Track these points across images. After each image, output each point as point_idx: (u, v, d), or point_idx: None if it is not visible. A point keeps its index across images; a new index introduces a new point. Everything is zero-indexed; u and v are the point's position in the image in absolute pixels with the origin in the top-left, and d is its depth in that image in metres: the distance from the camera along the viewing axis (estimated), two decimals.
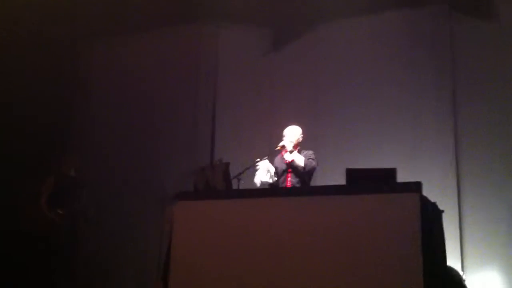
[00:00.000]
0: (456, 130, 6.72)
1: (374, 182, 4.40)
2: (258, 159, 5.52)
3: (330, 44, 7.53)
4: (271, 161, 5.68)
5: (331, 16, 7.50)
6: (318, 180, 6.00)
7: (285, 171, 5.64)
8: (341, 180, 4.52)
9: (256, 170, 5.54)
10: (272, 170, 5.59)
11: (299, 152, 5.67)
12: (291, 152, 5.60)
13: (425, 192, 4.30)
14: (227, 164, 5.15)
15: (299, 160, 5.55)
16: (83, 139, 8.24)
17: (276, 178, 5.59)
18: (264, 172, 5.55)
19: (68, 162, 6.62)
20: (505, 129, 6.53)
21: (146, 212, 7.41)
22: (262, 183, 5.56)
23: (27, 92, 7.51)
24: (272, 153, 5.70)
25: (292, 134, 5.69)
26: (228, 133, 7.69)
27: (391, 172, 4.39)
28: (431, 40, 7.04)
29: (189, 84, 8.01)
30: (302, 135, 5.74)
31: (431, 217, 4.33)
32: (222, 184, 5.04)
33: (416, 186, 4.25)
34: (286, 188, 5.50)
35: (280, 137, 5.76)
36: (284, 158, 5.68)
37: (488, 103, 6.69)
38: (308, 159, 5.58)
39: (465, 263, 6.31)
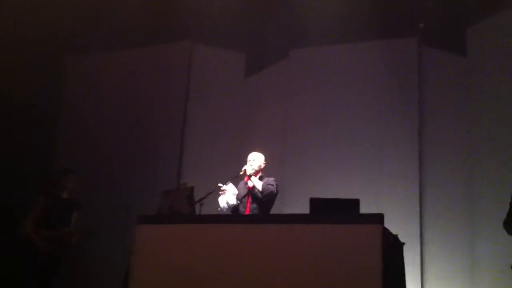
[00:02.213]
0: (421, 163, 6.80)
1: (337, 212, 4.41)
2: (221, 184, 5.51)
3: (301, 72, 7.63)
4: (235, 186, 5.69)
5: (304, 44, 7.60)
6: (284, 208, 6.01)
7: (244, 196, 5.64)
8: (305, 209, 4.51)
9: (220, 194, 5.52)
10: (236, 192, 5.62)
11: (260, 178, 5.71)
12: (250, 176, 5.62)
13: (387, 225, 4.33)
14: (192, 189, 5.13)
15: (257, 184, 5.59)
16: (56, 148, 8.18)
17: (239, 202, 5.59)
18: (231, 195, 5.56)
19: (63, 183, 6.42)
20: (470, 163, 6.63)
21: (112, 228, 7.29)
22: (229, 206, 5.55)
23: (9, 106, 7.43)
24: (236, 177, 5.70)
25: (254, 159, 5.71)
26: (196, 156, 7.66)
27: (355, 203, 4.42)
28: (400, 71, 7.17)
29: (161, 103, 7.98)
30: (264, 162, 5.78)
31: (392, 249, 4.35)
32: (186, 208, 5.01)
33: (378, 218, 4.27)
34: (250, 215, 5.48)
35: (245, 163, 5.76)
36: (247, 184, 5.69)
37: (455, 135, 6.82)
38: (267, 184, 5.60)
39: None
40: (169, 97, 7.98)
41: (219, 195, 5.53)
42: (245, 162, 5.71)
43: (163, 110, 7.94)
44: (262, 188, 5.56)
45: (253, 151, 5.85)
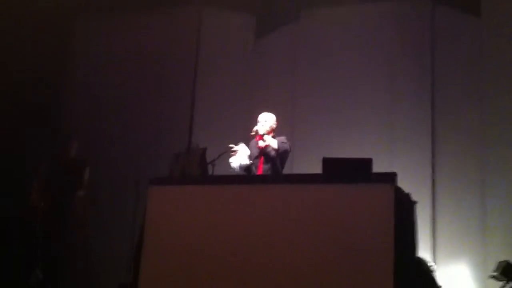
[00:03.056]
0: (433, 123, 6.78)
1: (350, 172, 4.41)
2: (232, 145, 5.50)
3: (311, 34, 7.55)
4: (247, 146, 5.68)
5: (313, 5, 7.48)
6: (295, 169, 6.00)
7: (257, 157, 5.63)
8: (318, 169, 4.51)
9: (231, 155, 5.50)
10: (248, 153, 5.61)
11: (273, 137, 5.68)
12: (262, 136, 5.59)
13: (399, 183, 4.33)
14: (204, 150, 5.12)
15: (273, 143, 5.56)
16: (63, 115, 8.17)
17: (252, 161, 5.59)
18: (243, 156, 5.55)
19: (65, 151, 6.48)
20: (481, 123, 6.59)
21: (121, 192, 7.36)
22: (241, 166, 5.55)
23: (15, 74, 7.42)
24: (247, 138, 5.69)
25: (266, 120, 5.68)
26: (207, 118, 7.65)
27: (367, 163, 4.41)
28: (412, 32, 7.08)
29: (170, 68, 7.95)
30: (275, 122, 5.75)
31: (404, 208, 4.36)
32: (197, 170, 5.01)
33: (390, 177, 4.28)
34: (262, 175, 5.49)
35: (256, 124, 5.75)
36: (258, 143, 5.68)
37: (467, 96, 6.76)
38: (281, 143, 5.59)
39: (437, 255, 6.40)
40: (179, 60, 7.93)
41: (231, 155, 5.52)
42: (255, 123, 5.70)
43: (173, 73, 7.91)
44: (278, 146, 5.54)
45: (263, 112, 5.83)
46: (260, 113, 5.78)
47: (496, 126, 6.43)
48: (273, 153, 5.57)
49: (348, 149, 6.55)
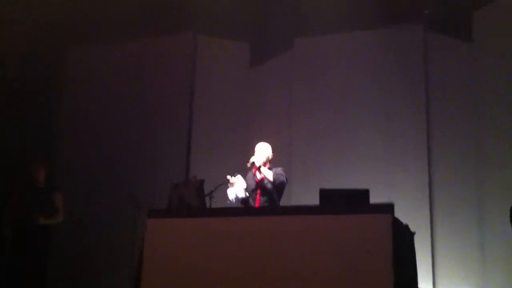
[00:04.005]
0: (430, 151, 6.80)
1: (347, 203, 4.41)
2: (229, 176, 5.50)
3: (307, 60, 7.60)
4: (244, 178, 5.67)
5: (308, 33, 7.57)
6: (293, 200, 6.00)
7: (254, 190, 5.63)
8: (315, 200, 4.52)
9: (228, 186, 5.51)
10: (245, 185, 5.60)
11: (270, 168, 5.68)
12: (259, 167, 5.60)
13: (397, 214, 4.33)
14: (202, 181, 5.12)
15: (268, 174, 5.56)
16: (59, 143, 8.19)
17: (248, 194, 5.58)
18: (239, 188, 5.54)
19: (35, 169, 6.47)
20: (478, 148, 6.62)
21: (120, 220, 7.33)
22: (238, 198, 5.55)
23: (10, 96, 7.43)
24: (244, 169, 5.69)
25: (262, 151, 5.69)
26: (204, 147, 7.67)
27: (364, 193, 4.41)
28: (406, 58, 7.14)
29: (167, 95, 7.97)
30: (272, 153, 5.74)
31: (402, 239, 4.35)
32: (196, 201, 5.01)
33: (388, 208, 4.27)
34: (260, 207, 5.48)
35: (253, 154, 5.75)
36: (255, 176, 5.68)
37: (462, 121, 6.82)
38: (276, 174, 5.58)
39: (437, 285, 6.37)
40: (174, 89, 7.96)
41: (228, 187, 5.52)
42: (252, 153, 5.70)
43: (168, 101, 7.93)
44: (273, 178, 5.54)
45: (260, 141, 5.83)
46: (257, 142, 5.79)
47: (492, 150, 6.46)
48: (269, 185, 5.56)
49: (344, 176, 6.57)
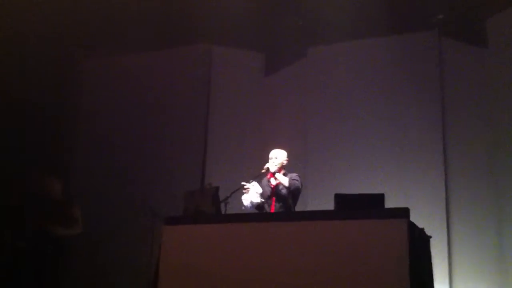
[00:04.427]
0: (445, 156, 6.76)
1: (362, 207, 4.40)
2: (244, 182, 5.52)
3: (320, 69, 7.64)
4: (259, 184, 5.70)
5: (322, 41, 7.59)
6: (308, 205, 6.00)
7: (269, 196, 5.65)
8: (330, 206, 4.52)
9: (243, 193, 5.53)
10: (260, 191, 5.62)
11: (285, 174, 5.69)
12: (274, 173, 5.62)
13: (413, 218, 4.31)
14: (217, 189, 5.15)
15: (283, 180, 5.58)
16: (75, 153, 8.27)
17: (263, 200, 5.60)
18: (254, 194, 5.56)
19: (51, 181, 6.51)
20: (494, 154, 6.58)
21: (137, 229, 7.38)
22: (253, 204, 5.56)
23: (28, 108, 7.54)
24: (259, 175, 5.71)
25: (277, 157, 5.71)
26: (219, 155, 7.70)
27: (380, 198, 4.40)
28: (421, 65, 7.13)
29: (183, 105, 8.04)
30: (286, 159, 5.76)
31: (418, 243, 4.33)
32: (211, 208, 5.04)
33: (404, 212, 4.25)
34: (275, 212, 5.49)
35: (268, 160, 5.78)
36: (270, 182, 5.70)
37: (478, 127, 6.79)
38: (292, 180, 5.59)
39: None
40: (190, 98, 8.04)
41: (243, 193, 5.54)
42: (267, 160, 5.72)
43: (185, 111, 8.00)
44: (289, 184, 5.54)
45: (274, 148, 5.85)
46: (271, 149, 5.81)
47: (509, 152, 6.42)
48: (284, 191, 5.57)
49: (360, 182, 6.56)
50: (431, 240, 4.64)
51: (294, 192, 5.57)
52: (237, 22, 7.41)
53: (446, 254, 6.38)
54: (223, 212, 5.14)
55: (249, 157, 7.43)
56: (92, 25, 7.58)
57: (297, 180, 5.61)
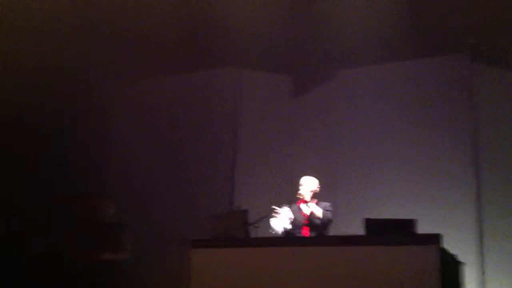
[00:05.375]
0: (478, 181, 6.65)
1: (393, 233, 4.36)
2: (276, 207, 5.50)
3: (349, 92, 7.60)
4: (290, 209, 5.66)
5: (351, 64, 7.57)
6: (337, 230, 5.92)
7: (302, 224, 5.61)
8: (360, 230, 4.48)
9: (273, 216, 5.50)
10: (291, 217, 5.58)
11: (317, 203, 5.66)
12: (307, 202, 5.60)
13: (446, 244, 4.25)
14: (246, 212, 5.15)
15: (317, 211, 5.56)
16: (106, 178, 8.32)
17: (291, 226, 5.55)
18: (285, 219, 5.52)
19: (103, 205, 6.58)
20: None
21: (165, 253, 7.37)
22: (283, 229, 5.53)
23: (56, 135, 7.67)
24: (292, 201, 5.69)
25: (309, 184, 5.70)
26: (247, 179, 7.70)
27: (411, 223, 4.37)
28: (452, 89, 7.06)
29: (211, 128, 8.07)
30: (318, 186, 5.74)
31: (450, 270, 4.27)
32: (240, 232, 5.04)
33: (435, 238, 4.21)
34: (304, 237, 5.46)
35: (299, 184, 5.75)
36: (301, 209, 5.66)
37: (511, 151, 6.64)
38: (325, 210, 5.57)
39: None
40: (218, 122, 8.06)
41: (273, 217, 5.51)
42: (296, 184, 5.70)
43: (213, 135, 8.02)
44: (322, 215, 5.53)
45: (303, 173, 5.84)
46: (301, 175, 5.80)
47: None
48: (318, 221, 5.54)
49: (390, 207, 6.48)
50: (464, 266, 4.55)
51: (326, 223, 5.55)
52: (264, 45, 7.44)
53: (480, 281, 6.25)
54: (252, 235, 5.12)
55: (277, 181, 7.42)
56: (120, 49, 7.68)
57: (329, 210, 5.59)
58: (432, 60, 7.19)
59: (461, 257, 4.52)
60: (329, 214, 5.56)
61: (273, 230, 5.49)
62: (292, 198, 5.70)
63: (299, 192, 5.64)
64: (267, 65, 7.94)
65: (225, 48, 7.60)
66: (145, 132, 8.34)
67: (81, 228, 6.35)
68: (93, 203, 6.59)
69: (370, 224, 4.44)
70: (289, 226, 5.50)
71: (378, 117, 7.34)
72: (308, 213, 5.59)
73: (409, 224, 4.35)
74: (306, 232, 5.53)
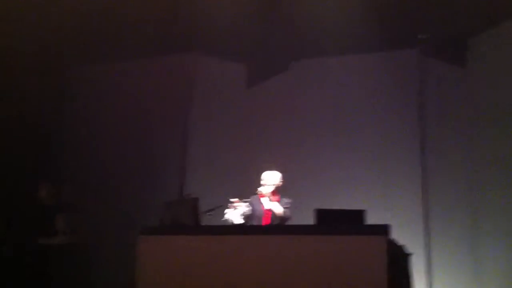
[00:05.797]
0: (425, 172, 6.81)
1: (343, 223, 4.40)
2: (235, 199, 5.45)
3: (302, 83, 7.66)
4: (250, 202, 5.64)
5: (306, 55, 7.62)
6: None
7: (261, 218, 5.61)
8: (310, 220, 4.50)
9: (228, 207, 5.46)
10: (246, 213, 5.54)
11: (279, 197, 5.67)
12: (269, 198, 5.60)
13: (394, 235, 4.32)
14: (196, 200, 5.11)
15: (277, 209, 5.58)
16: (61, 163, 8.13)
17: (243, 221, 5.51)
18: (238, 214, 5.48)
19: (38, 194, 6.38)
20: (472, 171, 6.66)
21: (113, 240, 7.27)
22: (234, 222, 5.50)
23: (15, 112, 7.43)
24: (239, 189, 5.68)
25: (271, 179, 5.68)
26: (199, 167, 7.64)
27: (360, 214, 4.41)
28: (401, 83, 7.20)
29: (163, 115, 7.97)
30: (282, 180, 5.72)
31: (398, 260, 4.34)
32: (190, 220, 4.98)
33: (384, 229, 4.27)
34: (254, 226, 5.46)
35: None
36: (261, 203, 5.65)
37: (457, 144, 6.85)
38: (285, 207, 5.59)
39: None
40: (171, 108, 7.97)
41: (229, 207, 5.46)
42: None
43: (165, 121, 7.93)
44: (282, 213, 5.55)
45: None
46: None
47: (486, 171, 6.51)
48: (277, 221, 5.55)
49: (341, 197, 6.56)
50: (412, 257, 4.64)
51: (285, 220, 5.58)
52: (221, 32, 7.36)
53: (426, 271, 6.40)
54: (203, 223, 5.08)
55: (230, 170, 7.40)
56: (81, 33, 7.49)
57: (288, 208, 5.62)
58: (384, 53, 7.31)
59: (408, 248, 4.60)
60: (288, 213, 5.58)
61: (227, 221, 5.45)
62: (245, 188, 5.67)
63: (259, 189, 5.62)
64: (224, 53, 7.89)
65: (181, 35, 7.50)
66: (98, 116, 8.18)
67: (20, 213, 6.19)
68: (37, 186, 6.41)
69: (321, 214, 4.46)
70: (241, 221, 5.45)
71: (330, 107, 7.44)
72: (268, 208, 5.60)
73: (358, 215, 4.40)
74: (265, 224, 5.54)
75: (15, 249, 6.00)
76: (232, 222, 5.45)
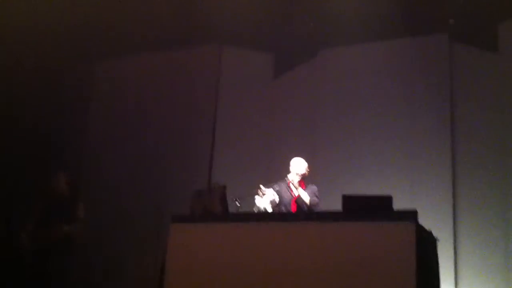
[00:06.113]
0: (454, 159, 6.75)
1: (370, 209, 4.40)
2: (262, 186, 5.50)
3: (330, 71, 7.62)
4: (279, 189, 5.69)
5: (332, 43, 7.59)
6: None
7: (289, 204, 5.66)
8: (338, 206, 4.52)
9: (259, 194, 5.51)
10: (275, 200, 5.59)
11: (305, 186, 5.72)
12: (296, 187, 5.64)
13: (421, 220, 4.31)
14: (224, 188, 5.16)
15: (305, 197, 5.63)
16: (86, 154, 8.34)
17: (271, 210, 5.55)
18: (268, 202, 5.54)
19: (57, 181, 6.48)
20: (503, 158, 6.56)
21: (144, 229, 7.40)
22: (265, 210, 5.56)
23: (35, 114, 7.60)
24: (266, 177, 5.72)
25: (298, 167, 5.72)
26: (227, 155, 7.71)
27: (387, 200, 4.40)
28: (431, 68, 7.11)
29: (190, 105, 8.07)
30: (308, 169, 5.76)
31: (426, 246, 4.32)
32: (218, 208, 5.05)
33: (411, 215, 4.25)
34: (282, 213, 5.50)
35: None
36: (290, 188, 5.71)
37: (487, 132, 6.75)
38: (313, 195, 5.65)
39: None
40: (199, 99, 8.06)
41: (257, 194, 5.52)
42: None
43: (193, 111, 8.03)
44: (309, 201, 5.61)
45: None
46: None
47: None
48: (304, 206, 5.62)
49: (368, 184, 6.55)
50: (438, 243, 4.63)
51: (314, 208, 5.64)
52: (247, 22, 7.41)
53: (452, 257, 6.36)
54: (234, 211, 5.14)
55: (257, 158, 7.46)
56: (101, 27, 7.62)
57: (316, 197, 5.68)
58: (413, 39, 7.23)
59: (435, 234, 4.59)
60: (316, 200, 5.64)
61: (257, 208, 5.51)
62: (272, 176, 5.71)
63: (288, 176, 5.67)
64: (249, 43, 7.92)
65: (207, 25, 7.56)
66: (125, 108, 8.32)
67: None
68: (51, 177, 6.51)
69: (348, 200, 4.47)
70: (269, 209, 5.51)
71: (358, 95, 7.39)
72: (296, 195, 5.66)
73: (385, 200, 4.39)
74: (293, 210, 5.60)
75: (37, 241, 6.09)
76: (261, 209, 5.50)
